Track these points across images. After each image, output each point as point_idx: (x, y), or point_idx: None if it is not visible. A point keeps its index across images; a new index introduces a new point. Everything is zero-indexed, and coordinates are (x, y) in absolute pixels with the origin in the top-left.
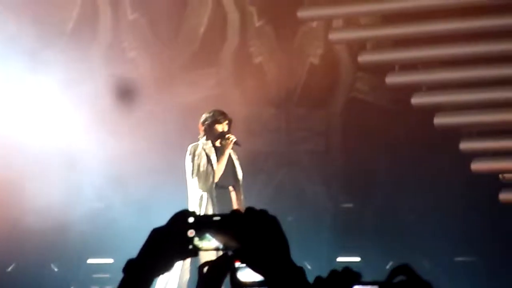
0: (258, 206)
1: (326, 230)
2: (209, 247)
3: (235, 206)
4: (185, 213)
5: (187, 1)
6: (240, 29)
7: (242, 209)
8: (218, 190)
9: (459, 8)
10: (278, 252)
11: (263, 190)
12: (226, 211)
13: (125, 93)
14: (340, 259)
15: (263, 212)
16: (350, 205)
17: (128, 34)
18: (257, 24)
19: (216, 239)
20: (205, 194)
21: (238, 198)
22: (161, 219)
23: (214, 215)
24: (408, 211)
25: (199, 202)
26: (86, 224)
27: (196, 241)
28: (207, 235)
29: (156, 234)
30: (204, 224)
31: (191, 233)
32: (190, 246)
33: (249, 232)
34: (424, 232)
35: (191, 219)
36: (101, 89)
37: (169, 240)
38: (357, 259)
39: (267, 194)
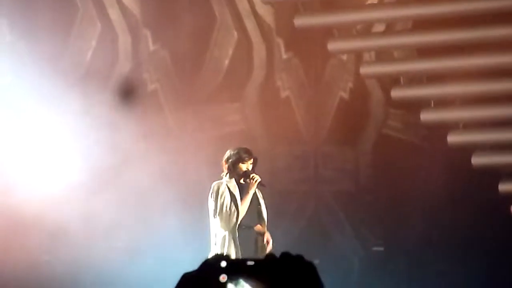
0: (283, 248)
1: (355, 274)
2: None
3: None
4: (217, 257)
5: (212, 32)
6: (267, 62)
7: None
8: (242, 230)
9: (498, 43)
10: None
11: (288, 231)
12: (250, 252)
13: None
14: None
15: (299, 258)
16: (380, 248)
17: (149, 65)
18: (285, 56)
19: (250, 284)
20: (227, 234)
21: (262, 239)
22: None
23: (247, 259)
24: (443, 255)
25: (221, 242)
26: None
27: (229, 287)
28: (241, 281)
29: (187, 279)
30: (237, 269)
31: (223, 278)
32: None
33: (285, 278)
34: (461, 279)
35: (223, 264)
36: (119, 123)
37: (200, 286)
38: None
39: (293, 235)
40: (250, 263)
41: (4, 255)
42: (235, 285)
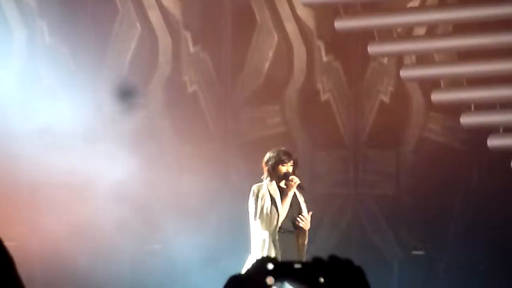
0: (323, 251)
1: (394, 279)
2: None
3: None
4: (265, 260)
5: (252, 34)
6: (307, 64)
7: (305, 254)
8: (282, 234)
9: None
10: None
11: (328, 235)
12: (290, 255)
13: (185, 128)
14: None
15: (348, 262)
16: (420, 252)
17: (189, 67)
18: (325, 59)
19: (296, 287)
20: (267, 237)
21: (302, 242)
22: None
23: (295, 261)
24: (483, 259)
25: (261, 245)
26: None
27: None
28: (287, 284)
29: (234, 281)
30: (284, 271)
31: (270, 280)
32: None
33: (334, 282)
34: (503, 282)
35: (270, 266)
36: (160, 124)
37: (247, 287)
38: None
39: (332, 238)
40: (298, 266)
41: None
42: (282, 287)
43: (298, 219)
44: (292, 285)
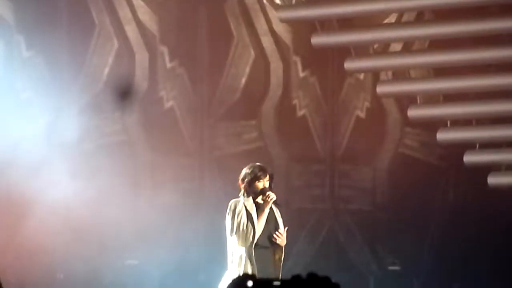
0: (299, 265)
1: None
2: None
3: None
4: (244, 277)
5: (229, 49)
6: (284, 80)
7: (281, 270)
8: (258, 249)
9: None
10: None
11: (304, 249)
12: (266, 271)
13: (161, 143)
14: None
15: (326, 279)
16: (396, 267)
17: (166, 83)
18: (301, 74)
19: None
20: (244, 253)
21: (278, 258)
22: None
23: (274, 279)
24: (459, 275)
25: (238, 261)
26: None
27: None
28: None
29: None
30: None
31: None
32: None
33: None
34: None
35: (250, 283)
36: (135, 140)
37: None
38: None
39: (309, 253)
40: (277, 283)
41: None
42: None
43: (274, 235)
44: None
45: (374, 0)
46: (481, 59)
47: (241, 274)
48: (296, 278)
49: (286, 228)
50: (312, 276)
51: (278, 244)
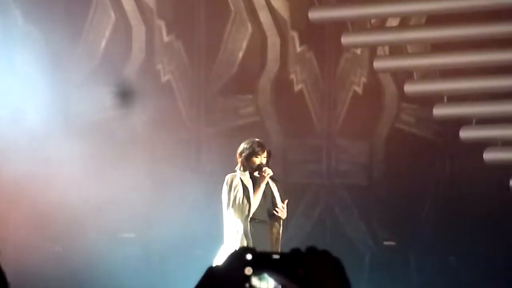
0: (295, 240)
1: (365, 270)
2: (267, 287)
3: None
4: (243, 250)
5: (226, 24)
6: (281, 55)
7: (280, 244)
8: (255, 223)
9: None
10: None
11: (301, 224)
12: (262, 245)
13: (158, 117)
14: None
15: (326, 253)
16: (392, 243)
17: (163, 57)
18: (299, 49)
19: (274, 278)
20: (240, 227)
21: (276, 232)
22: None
23: (273, 252)
24: (455, 250)
25: (235, 235)
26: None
27: (254, 280)
28: (265, 274)
29: (212, 272)
30: (262, 262)
31: (248, 271)
32: (247, 285)
33: (312, 273)
34: (472, 274)
35: (249, 256)
36: (133, 113)
37: (225, 278)
38: None
39: (305, 228)
40: (276, 256)
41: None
42: (259, 279)
43: (276, 209)
44: (271, 276)
45: None
46: (478, 34)
47: (239, 247)
48: (295, 251)
49: (286, 201)
50: (311, 249)
51: (276, 219)
